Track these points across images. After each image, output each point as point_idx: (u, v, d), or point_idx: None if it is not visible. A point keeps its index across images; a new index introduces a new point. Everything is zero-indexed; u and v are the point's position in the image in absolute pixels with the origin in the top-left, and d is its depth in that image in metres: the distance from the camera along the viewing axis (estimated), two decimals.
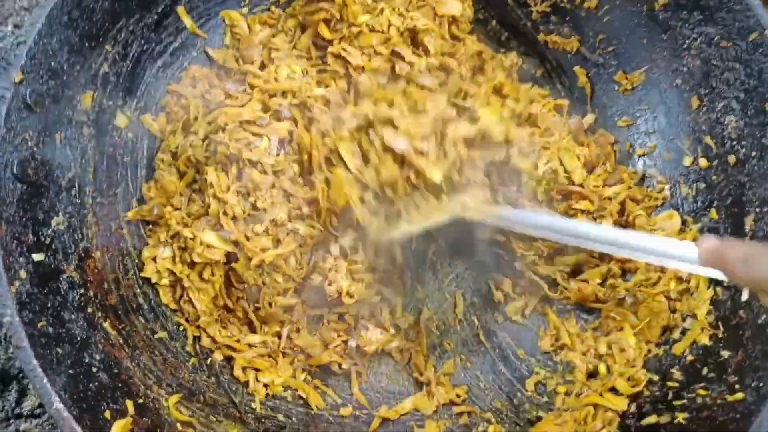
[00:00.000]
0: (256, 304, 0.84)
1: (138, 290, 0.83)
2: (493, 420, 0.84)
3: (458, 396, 0.86)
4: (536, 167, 0.92)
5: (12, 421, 0.91)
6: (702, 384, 0.72)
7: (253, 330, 0.86)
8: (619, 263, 0.88)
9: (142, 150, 0.90)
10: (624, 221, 0.91)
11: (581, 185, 0.93)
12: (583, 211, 0.92)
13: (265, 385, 0.84)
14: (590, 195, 0.92)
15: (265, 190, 0.81)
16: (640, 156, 0.95)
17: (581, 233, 0.68)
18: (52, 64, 0.74)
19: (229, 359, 0.85)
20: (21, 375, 0.93)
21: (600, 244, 0.67)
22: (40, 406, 0.92)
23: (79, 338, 0.69)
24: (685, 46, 0.86)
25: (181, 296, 0.84)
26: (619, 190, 0.92)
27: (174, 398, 0.74)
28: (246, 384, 0.84)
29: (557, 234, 0.70)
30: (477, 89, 0.90)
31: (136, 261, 0.85)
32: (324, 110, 0.85)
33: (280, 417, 0.83)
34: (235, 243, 0.80)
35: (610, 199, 0.92)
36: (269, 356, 0.86)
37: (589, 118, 0.98)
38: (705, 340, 0.76)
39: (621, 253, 0.67)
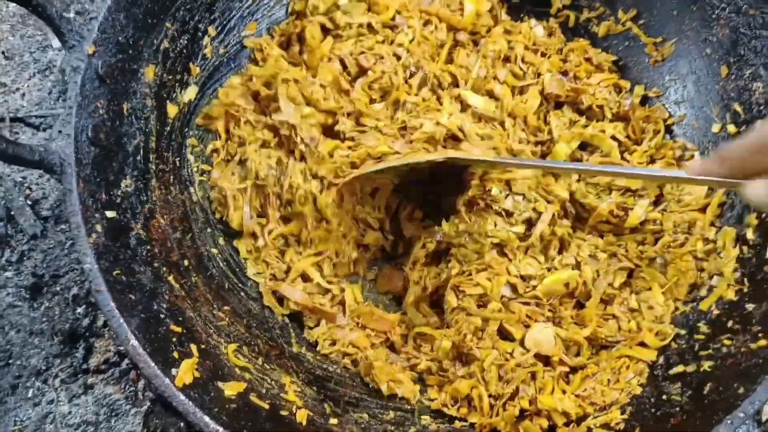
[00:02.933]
0: None
1: (198, 250, 0.90)
2: None
3: None
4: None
5: (80, 375, 0.99)
6: (727, 335, 0.75)
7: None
8: (654, 233, 0.91)
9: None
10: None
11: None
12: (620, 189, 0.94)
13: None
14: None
15: None
16: (669, 125, 0.98)
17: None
18: (120, 39, 0.80)
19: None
20: (87, 334, 1.01)
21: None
22: (105, 362, 0.99)
23: (147, 288, 0.76)
24: (714, 16, 0.89)
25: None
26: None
27: (232, 346, 0.81)
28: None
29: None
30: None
31: (197, 223, 0.92)
32: None
33: (330, 368, 0.90)
34: None
35: None
36: None
37: (639, 89, 1.00)
38: (731, 295, 0.79)
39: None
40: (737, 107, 0.88)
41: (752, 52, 0.85)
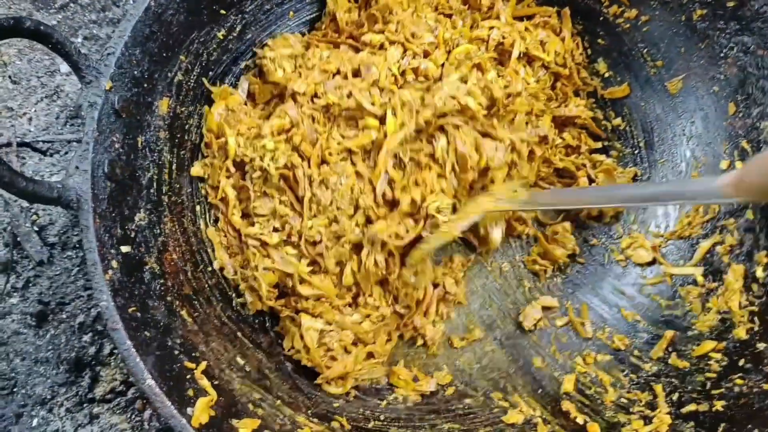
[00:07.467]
0: None
1: (208, 282, 0.89)
2: None
3: None
4: None
5: (85, 405, 0.98)
6: (739, 374, 0.76)
7: None
8: None
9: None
10: None
11: None
12: None
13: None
14: None
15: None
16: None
17: (605, 197, 0.83)
18: (135, 73, 0.80)
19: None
20: (93, 363, 1.00)
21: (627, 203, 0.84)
22: (111, 391, 0.99)
23: (161, 324, 0.76)
24: (722, 54, 0.90)
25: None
26: None
27: (245, 381, 0.80)
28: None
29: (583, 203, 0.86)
30: None
31: (207, 254, 0.91)
32: None
33: (340, 403, 0.89)
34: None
35: None
36: None
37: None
38: (742, 334, 0.80)
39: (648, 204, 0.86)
40: (745, 144, 0.89)
41: (760, 91, 0.86)
